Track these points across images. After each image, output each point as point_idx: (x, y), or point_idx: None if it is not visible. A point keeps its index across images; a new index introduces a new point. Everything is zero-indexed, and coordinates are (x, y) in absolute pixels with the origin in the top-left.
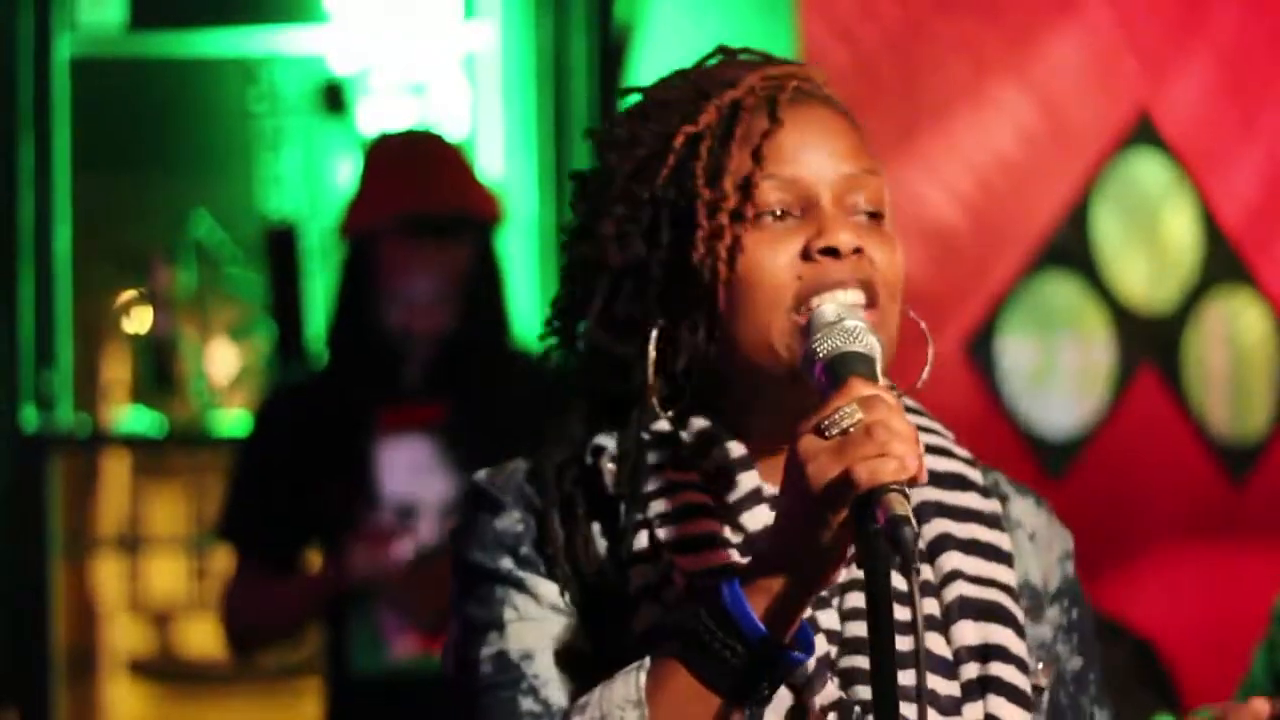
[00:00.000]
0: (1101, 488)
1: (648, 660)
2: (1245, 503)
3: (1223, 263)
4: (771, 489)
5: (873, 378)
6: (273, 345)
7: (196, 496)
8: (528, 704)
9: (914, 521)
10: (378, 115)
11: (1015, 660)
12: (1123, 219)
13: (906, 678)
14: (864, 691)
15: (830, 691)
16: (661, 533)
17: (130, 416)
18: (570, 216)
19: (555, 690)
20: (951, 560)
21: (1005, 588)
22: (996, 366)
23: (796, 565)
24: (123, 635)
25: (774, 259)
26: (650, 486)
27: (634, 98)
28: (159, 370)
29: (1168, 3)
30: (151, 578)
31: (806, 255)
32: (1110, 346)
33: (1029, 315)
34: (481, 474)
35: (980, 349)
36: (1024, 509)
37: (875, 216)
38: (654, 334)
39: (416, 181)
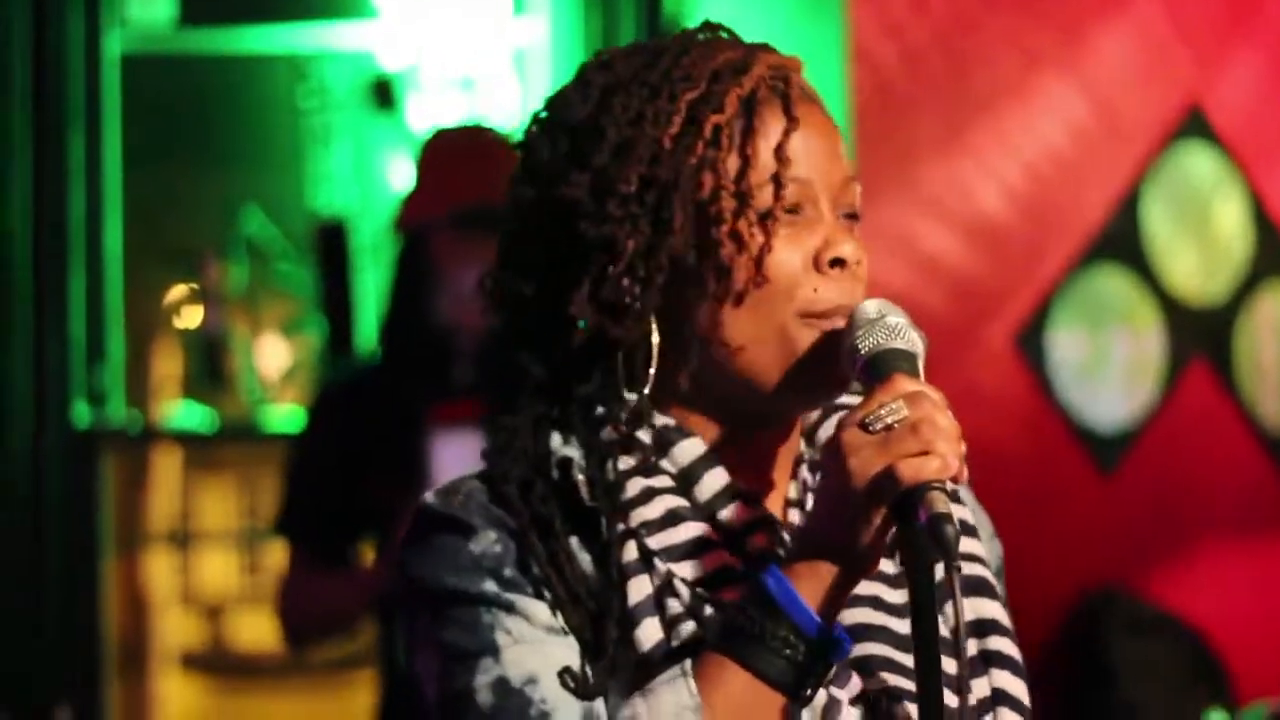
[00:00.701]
0: (1153, 481)
1: (688, 663)
2: None
3: (1273, 255)
4: (742, 484)
5: (915, 374)
6: (323, 341)
7: (247, 491)
8: None
9: (955, 520)
10: (427, 111)
11: (1007, 633)
12: (1173, 212)
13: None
14: (885, 679)
15: (855, 683)
16: (651, 542)
17: (181, 412)
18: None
19: (567, 714)
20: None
21: (984, 562)
22: (1047, 359)
23: (837, 557)
24: (174, 629)
25: (789, 263)
26: (628, 494)
27: (610, 60)
28: (210, 366)
29: None
30: (203, 572)
31: (816, 264)
32: (1161, 339)
33: (1080, 308)
34: (430, 498)
35: (1031, 342)
36: (960, 489)
37: (855, 218)
38: (655, 321)
39: (470, 175)
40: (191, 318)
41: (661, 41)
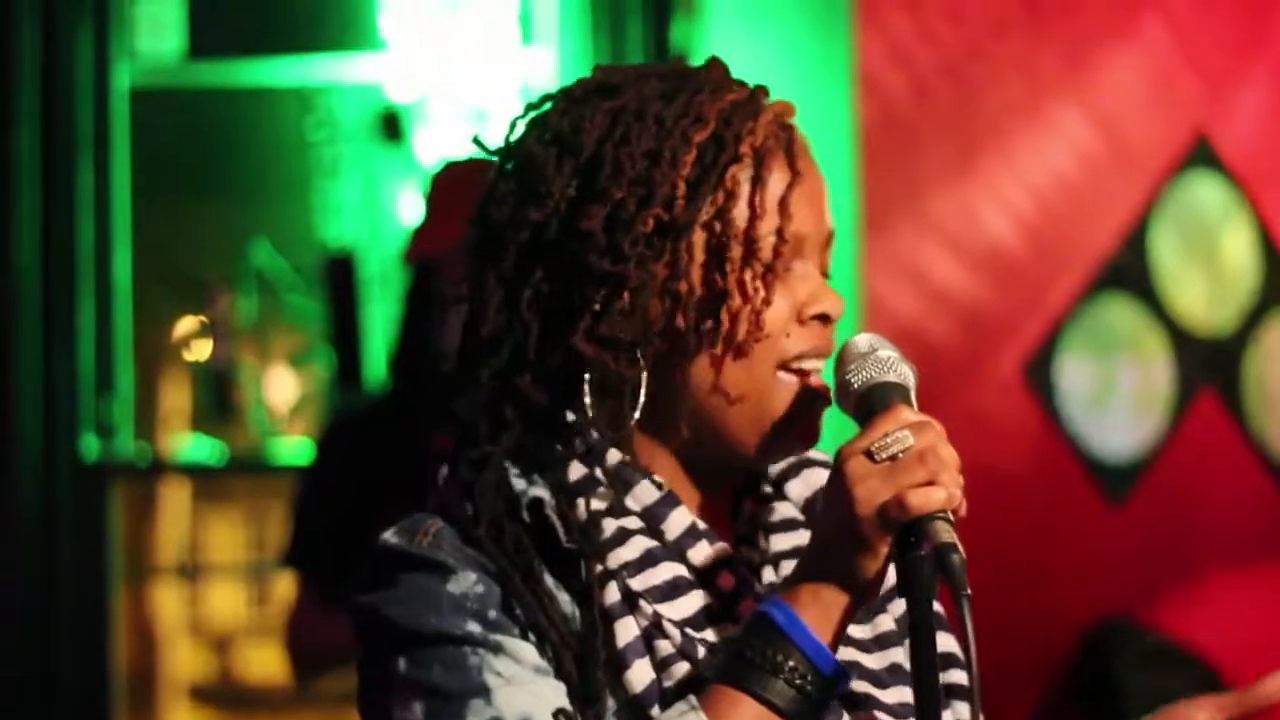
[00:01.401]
0: (1162, 511)
1: (694, 699)
2: None
3: None
4: (703, 524)
5: (910, 406)
6: (332, 373)
7: (256, 523)
8: None
9: (960, 550)
10: (436, 143)
11: (963, 665)
12: (1181, 241)
13: (894, 695)
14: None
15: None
16: (633, 584)
17: (190, 444)
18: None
19: None
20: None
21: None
22: (1055, 389)
23: (841, 585)
24: (183, 661)
25: (780, 315)
26: (604, 535)
27: (614, 92)
28: (219, 398)
29: (1226, 24)
30: (211, 604)
31: (799, 317)
32: (1169, 369)
33: (1088, 337)
34: (393, 537)
35: (1039, 371)
36: None
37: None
38: (648, 362)
39: None
40: (200, 350)
41: (665, 69)
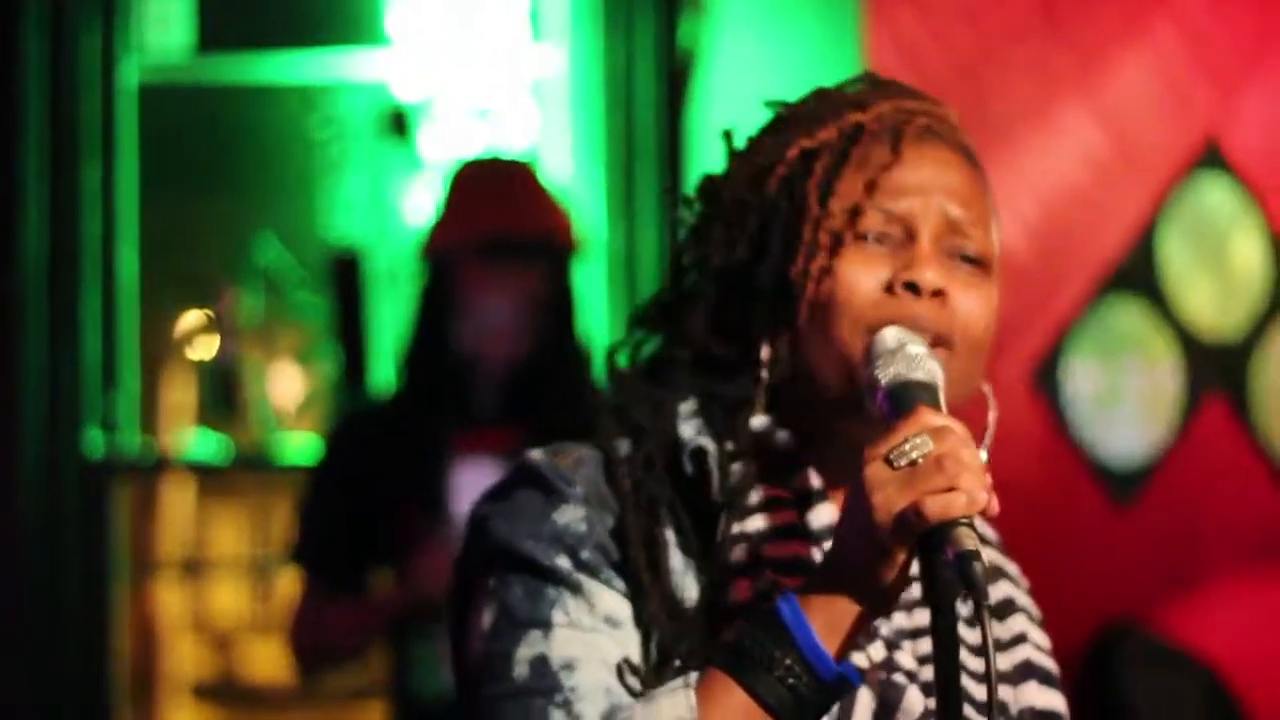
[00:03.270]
0: (1168, 516)
1: (693, 677)
2: None
3: None
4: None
5: (936, 405)
6: (337, 370)
7: (259, 520)
8: (558, 716)
9: (983, 557)
10: (442, 140)
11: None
12: (1190, 245)
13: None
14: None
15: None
16: (762, 548)
17: (194, 441)
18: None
19: (590, 707)
20: (1019, 623)
21: (1051, 657)
22: (1063, 393)
23: (857, 593)
24: (185, 658)
25: (859, 283)
26: (751, 500)
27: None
28: (223, 395)
29: (1237, 28)
30: (214, 601)
31: (890, 287)
32: (1177, 373)
33: (1096, 341)
34: (539, 455)
35: (1046, 375)
36: (1010, 568)
37: (977, 264)
38: (763, 344)
39: (497, 205)
40: (205, 347)
41: (824, 88)
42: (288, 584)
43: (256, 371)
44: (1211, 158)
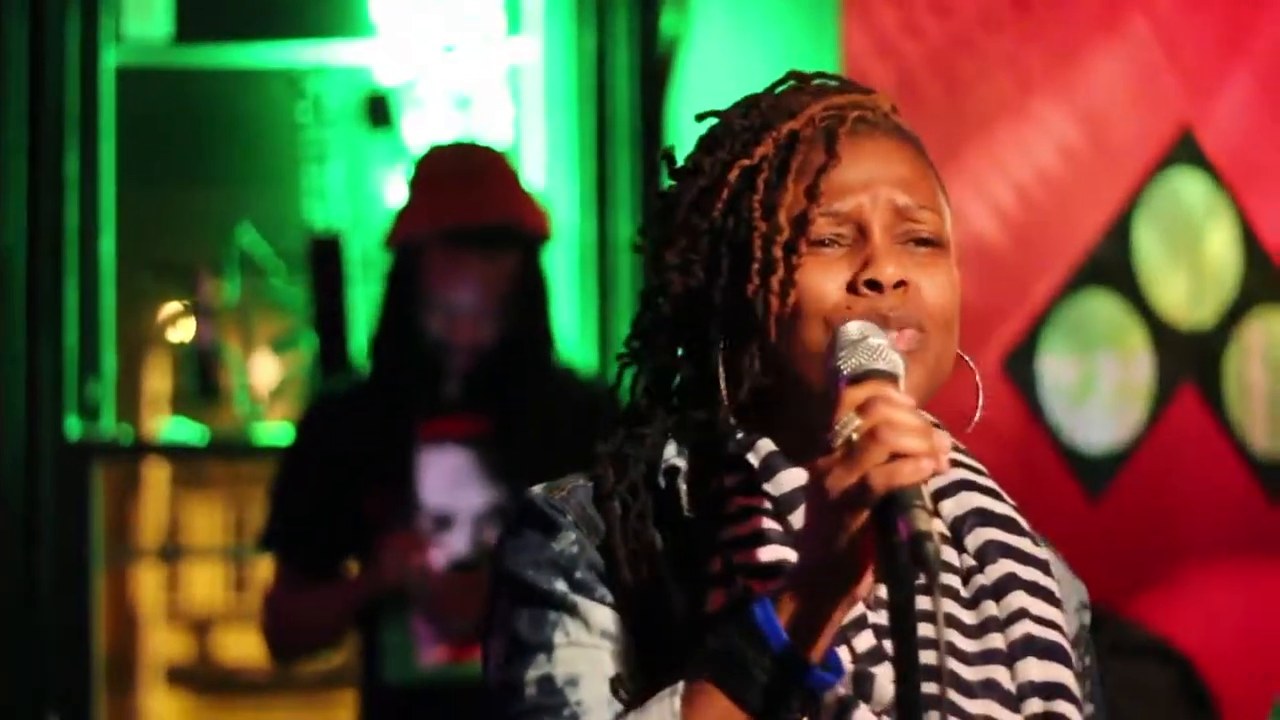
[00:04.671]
0: (1140, 506)
1: (681, 685)
2: None
3: (1264, 281)
4: None
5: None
6: (315, 357)
7: (237, 507)
8: None
9: (936, 537)
10: (423, 128)
11: (1075, 701)
12: (1164, 237)
13: (928, 688)
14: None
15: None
16: (737, 559)
17: (173, 427)
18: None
19: (596, 719)
20: (1018, 599)
21: (1063, 631)
22: (1036, 383)
23: (821, 577)
24: (162, 644)
25: (822, 290)
26: (726, 510)
27: (709, 122)
28: (202, 381)
29: (1210, 20)
30: (191, 587)
31: (852, 287)
32: (1150, 364)
33: (1069, 332)
34: (538, 490)
35: (1020, 366)
36: (1051, 557)
37: (932, 244)
38: (720, 360)
39: (464, 192)
40: (184, 333)
41: (754, 95)
42: (264, 571)
43: (235, 358)
44: (1185, 149)
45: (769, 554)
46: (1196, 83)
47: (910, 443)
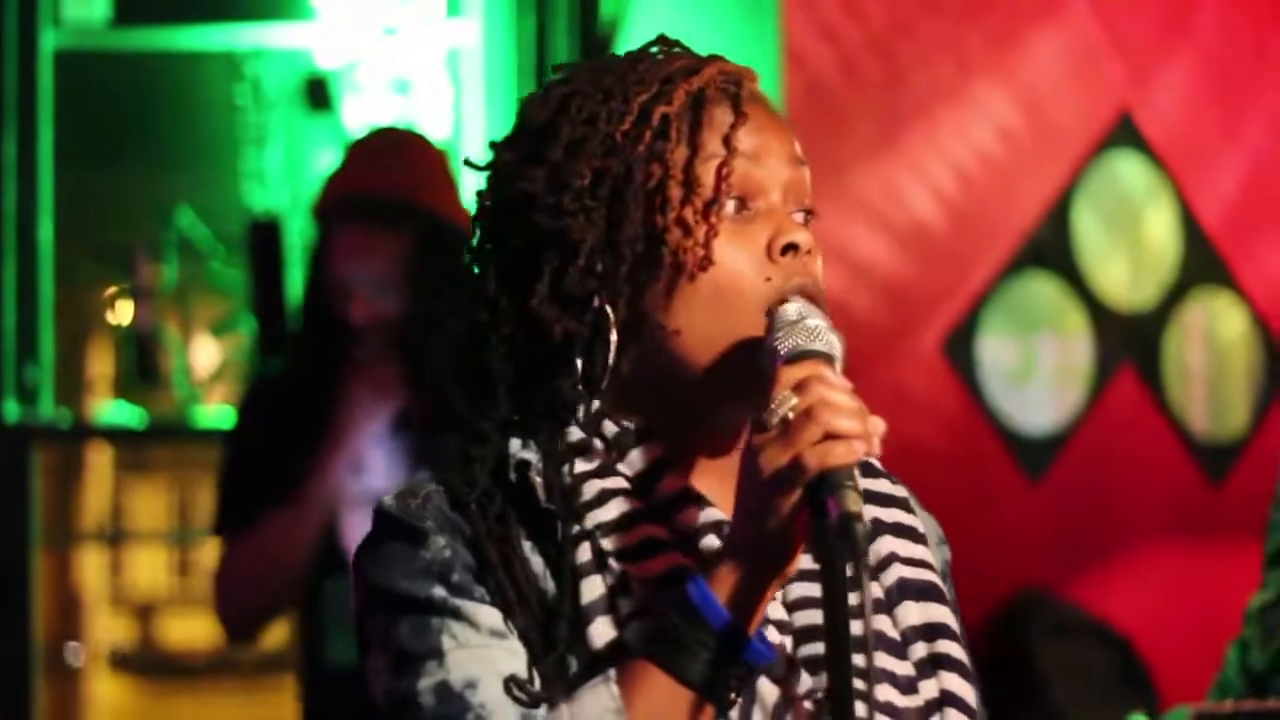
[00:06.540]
0: (1080, 486)
1: (613, 672)
2: (1223, 502)
3: (1202, 263)
4: (699, 490)
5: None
6: (254, 340)
7: (179, 491)
8: None
9: (865, 518)
10: (362, 111)
11: (956, 636)
12: (1103, 219)
13: (858, 661)
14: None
15: (806, 681)
16: (605, 543)
17: (112, 410)
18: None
19: (504, 719)
20: (886, 544)
21: (932, 568)
22: (976, 365)
23: (756, 555)
24: (104, 628)
25: (738, 254)
26: (584, 496)
27: (567, 74)
28: (141, 364)
29: (1150, 5)
30: (133, 571)
31: (769, 253)
32: (1090, 345)
33: (1009, 314)
34: (390, 501)
35: (960, 347)
36: (907, 494)
37: (810, 214)
38: (612, 314)
39: (365, 167)
40: (123, 316)
41: (617, 56)
42: (208, 555)
43: (174, 341)
44: (1124, 132)
45: (637, 536)
46: (1136, 65)
47: (845, 424)
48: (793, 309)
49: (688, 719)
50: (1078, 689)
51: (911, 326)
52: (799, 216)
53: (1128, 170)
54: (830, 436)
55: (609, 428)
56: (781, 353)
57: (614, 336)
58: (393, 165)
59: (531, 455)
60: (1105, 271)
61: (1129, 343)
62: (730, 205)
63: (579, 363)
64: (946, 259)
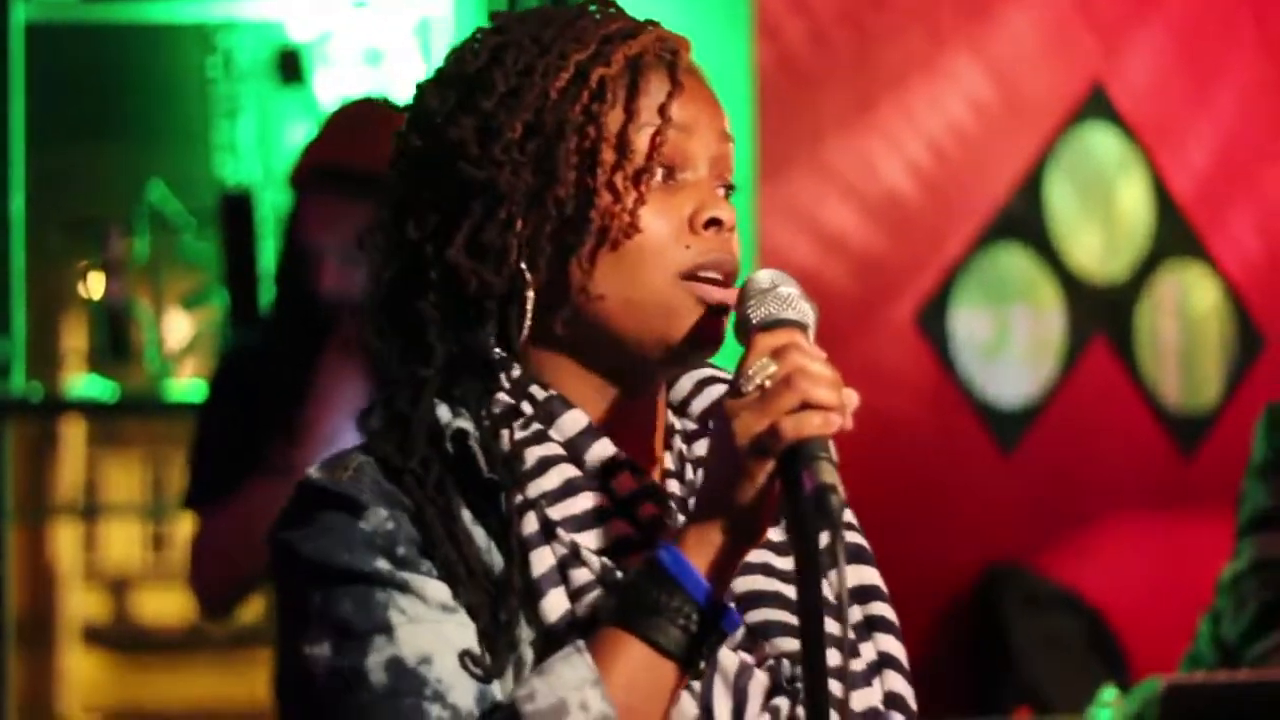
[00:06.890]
0: (1052, 458)
1: (582, 643)
2: (1195, 474)
3: (1175, 235)
4: (625, 455)
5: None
6: (227, 313)
7: (152, 464)
8: (435, 711)
9: (840, 489)
10: (334, 83)
11: (885, 598)
12: (1076, 191)
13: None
14: (780, 644)
15: (760, 647)
16: (551, 513)
17: (85, 384)
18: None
19: (461, 695)
20: None
21: (858, 529)
22: (949, 337)
23: (730, 522)
24: (78, 603)
25: (662, 223)
26: (526, 465)
27: (503, 23)
28: (113, 338)
29: None
30: (107, 545)
31: (691, 226)
32: (1062, 318)
33: (982, 286)
34: (316, 473)
35: (933, 319)
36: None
37: (730, 190)
38: (530, 274)
39: (339, 138)
40: (95, 290)
41: (555, 9)
42: (183, 529)
43: (146, 315)
44: (1097, 105)
45: (581, 504)
46: (1108, 38)
47: (823, 394)
48: (765, 277)
49: (666, 687)
50: (1049, 660)
51: (884, 298)
52: (720, 191)
53: (1100, 142)
54: (807, 406)
55: (537, 391)
56: (754, 320)
57: (531, 294)
58: (367, 136)
59: (466, 423)
60: (1078, 243)
61: (1101, 315)
62: (659, 174)
63: (493, 320)
64: (919, 231)
